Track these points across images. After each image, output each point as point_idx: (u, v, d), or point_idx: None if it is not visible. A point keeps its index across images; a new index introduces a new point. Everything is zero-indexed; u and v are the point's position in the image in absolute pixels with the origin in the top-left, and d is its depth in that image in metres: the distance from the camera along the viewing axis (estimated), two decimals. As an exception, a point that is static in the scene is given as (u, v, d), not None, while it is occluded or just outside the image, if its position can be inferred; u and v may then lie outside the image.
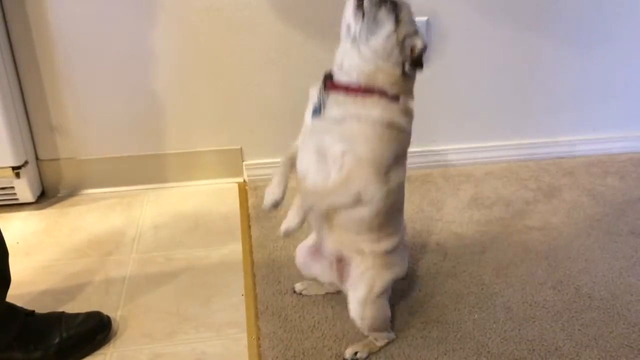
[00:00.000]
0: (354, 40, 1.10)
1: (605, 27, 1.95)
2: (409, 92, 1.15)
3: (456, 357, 1.25)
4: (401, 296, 1.41)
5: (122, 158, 1.88)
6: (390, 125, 1.11)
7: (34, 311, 1.25)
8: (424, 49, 1.12)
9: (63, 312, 1.28)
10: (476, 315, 1.36)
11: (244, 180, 1.97)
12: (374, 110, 1.09)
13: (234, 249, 1.61)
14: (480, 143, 2.04)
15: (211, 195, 1.89)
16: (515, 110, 2.05)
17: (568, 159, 2.09)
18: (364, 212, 1.15)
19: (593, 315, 1.35)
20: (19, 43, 1.71)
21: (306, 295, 1.43)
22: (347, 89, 1.11)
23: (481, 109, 2.03)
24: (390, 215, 1.19)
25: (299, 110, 1.90)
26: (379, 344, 1.27)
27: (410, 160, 2.00)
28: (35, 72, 1.75)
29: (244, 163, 1.97)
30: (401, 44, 1.10)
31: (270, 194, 1.19)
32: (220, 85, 1.85)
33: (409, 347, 1.27)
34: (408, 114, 1.15)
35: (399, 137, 1.14)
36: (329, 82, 1.14)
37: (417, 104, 1.92)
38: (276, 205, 1.19)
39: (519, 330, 1.31)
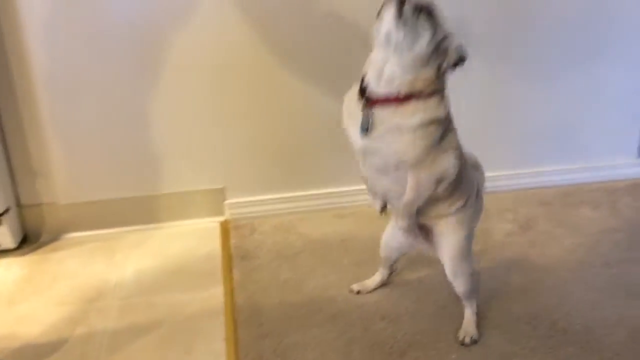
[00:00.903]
0: (396, 49, 1.14)
1: (575, 62, 2.02)
2: (443, 85, 1.21)
3: (435, 398, 1.27)
4: (383, 342, 1.43)
5: (105, 201, 1.90)
6: (431, 123, 1.17)
7: None
8: (462, 50, 1.17)
9: None
10: (455, 355, 1.38)
11: (226, 220, 2.00)
12: (414, 118, 1.16)
13: (216, 292, 1.62)
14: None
15: (194, 236, 1.91)
16: (491, 142, 2.09)
17: (545, 189, 2.14)
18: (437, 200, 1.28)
19: (569, 350, 1.38)
20: (-1, 88, 1.73)
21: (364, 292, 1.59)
22: (387, 101, 1.17)
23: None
24: (457, 177, 1.27)
25: (279, 149, 1.96)
26: (473, 313, 1.43)
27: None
28: (16, 117, 1.77)
29: (225, 202, 1.99)
30: (439, 47, 1.15)
31: (375, 204, 1.38)
32: (201, 125, 1.88)
33: (389, 389, 1.29)
34: (442, 101, 1.20)
35: (440, 126, 1.20)
36: (368, 99, 1.19)
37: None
38: (385, 209, 1.37)
39: (497, 368, 1.34)
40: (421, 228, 1.38)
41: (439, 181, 1.23)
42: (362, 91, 1.20)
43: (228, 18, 1.75)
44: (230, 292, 1.62)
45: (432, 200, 1.28)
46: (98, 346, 1.42)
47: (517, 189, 2.11)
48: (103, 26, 1.70)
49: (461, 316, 1.47)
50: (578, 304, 1.54)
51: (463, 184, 1.31)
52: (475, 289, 1.43)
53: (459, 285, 1.40)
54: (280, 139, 1.96)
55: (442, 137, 1.21)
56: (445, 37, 1.16)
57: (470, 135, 2.03)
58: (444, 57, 1.17)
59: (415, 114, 1.16)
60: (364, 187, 2.06)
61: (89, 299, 1.60)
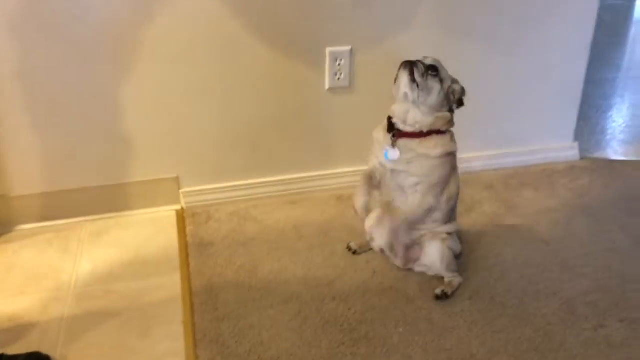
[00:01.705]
0: (414, 103, 1.48)
1: (515, 51, 2.12)
2: (452, 122, 1.54)
3: (382, 371, 1.35)
4: (335, 320, 1.50)
5: (58, 192, 1.90)
6: (448, 155, 1.52)
7: None
8: (463, 91, 1.53)
9: (2, 355, 1.31)
10: (401, 329, 1.47)
11: (182, 208, 2.03)
12: (437, 149, 1.49)
13: (173, 279, 1.66)
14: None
15: (149, 225, 1.93)
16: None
17: (489, 172, 2.25)
18: (436, 214, 1.57)
19: (504, 322, 1.49)
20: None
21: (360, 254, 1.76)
22: (412, 135, 1.50)
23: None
24: (452, 208, 1.61)
25: (232, 137, 1.99)
26: (455, 282, 1.60)
27: (335, 181, 2.12)
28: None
29: (181, 191, 2.02)
30: (447, 94, 1.49)
31: (359, 200, 1.55)
32: (154, 114, 1.90)
33: (339, 364, 1.37)
34: (453, 138, 1.55)
35: (453, 159, 1.56)
36: (396, 132, 1.51)
37: (339, 126, 2.04)
38: (366, 206, 1.55)
39: (439, 340, 1.43)
40: (407, 249, 1.63)
41: (431, 210, 1.55)
42: (391, 127, 1.52)
43: (183, 9, 1.77)
44: (186, 278, 1.66)
45: (434, 220, 1.59)
46: (56, 334, 1.45)
47: (462, 173, 2.20)
48: (56, 12, 1.69)
49: (405, 295, 1.59)
50: (516, 279, 1.65)
51: (454, 212, 1.65)
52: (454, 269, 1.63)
53: (443, 269, 1.60)
54: (233, 128, 1.99)
55: (454, 167, 1.57)
56: (450, 86, 1.50)
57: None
58: (452, 100, 1.51)
59: (437, 146, 1.49)
60: (314, 174, 2.14)
61: (45, 288, 1.62)
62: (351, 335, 1.45)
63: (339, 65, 1.96)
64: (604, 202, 2.05)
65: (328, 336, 1.45)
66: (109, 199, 1.95)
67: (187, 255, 1.77)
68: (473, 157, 2.24)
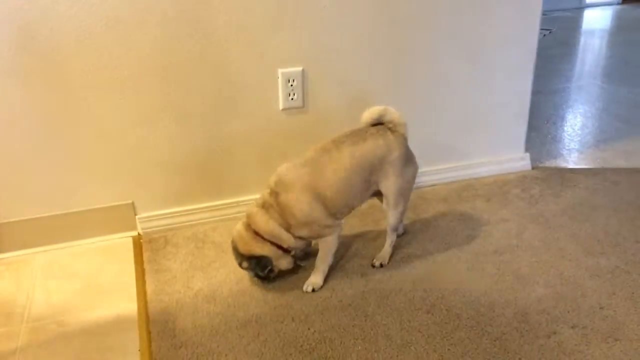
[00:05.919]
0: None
1: (464, 70, 2.18)
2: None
3: (342, 390, 1.35)
4: (294, 341, 1.50)
5: (7, 224, 1.86)
6: None
7: None
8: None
9: None
10: (360, 347, 1.47)
11: (139, 234, 2.00)
12: None
13: (129, 307, 1.64)
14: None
15: (104, 252, 1.91)
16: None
17: (442, 185, 2.29)
18: None
19: (461, 334, 1.51)
20: None
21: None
22: None
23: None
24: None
25: (187, 160, 1.99)
26: (390, 249, 1.83)
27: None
28: None
29: (137, 216, 2.00)
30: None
31: None
32: (106, 141, 1.88)
33: (299, 385, 1.36)
34: None
35: None
36: None
37: (295, 145, 2.05)
38: None
39: (397, 356, 1.44)
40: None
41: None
42: None
43: (128, 37, 1.76)
44: (143, 306, 1.64)
45: None
46: (7, 371, 1.41)
47: (416, 187, 2.25)
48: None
49: (363, 312, 1.59)
50: (471, 290, 1.68)
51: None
52: (398, 226, 1.83)
53: (392, 217, 1.77)
54: (188, 151, 1.99)
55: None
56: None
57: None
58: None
59: None
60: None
61: (-4, 324, 1.58)
62: (311, 356, 1.45)
63: (291, 85, 1.98)
64: (555, 211, 2.11)
65: (288, 358, 1.44)
66: (62, 228, 1.92)
67: (144, 282, 1.75)
68: (427, 171, 2.28)
